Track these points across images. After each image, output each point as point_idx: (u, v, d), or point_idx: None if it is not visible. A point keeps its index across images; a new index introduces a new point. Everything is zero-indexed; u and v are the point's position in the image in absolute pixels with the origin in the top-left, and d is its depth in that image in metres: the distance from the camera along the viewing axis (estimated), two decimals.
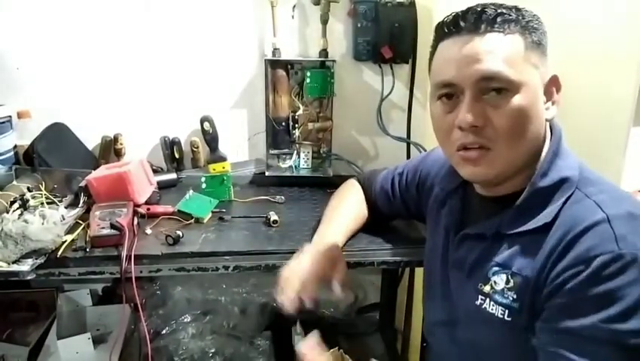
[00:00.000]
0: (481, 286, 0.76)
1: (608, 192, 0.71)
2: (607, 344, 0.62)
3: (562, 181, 0.72)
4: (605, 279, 0.62)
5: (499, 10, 0.70)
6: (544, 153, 0.75)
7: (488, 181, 0.77)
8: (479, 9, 0.71)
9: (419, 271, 1.50)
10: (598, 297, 0.62)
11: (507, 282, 0.73)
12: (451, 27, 0.72)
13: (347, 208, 1.11)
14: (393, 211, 1.11)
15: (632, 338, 0.61)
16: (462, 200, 0.86)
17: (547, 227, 0.70)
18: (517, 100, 0.69)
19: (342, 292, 0.92)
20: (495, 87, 0.69)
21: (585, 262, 0.64)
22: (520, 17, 0.71)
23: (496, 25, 0.69)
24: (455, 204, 0.87)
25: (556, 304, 0.66)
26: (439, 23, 0.75)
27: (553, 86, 0.74)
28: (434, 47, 0.76)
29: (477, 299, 0.77)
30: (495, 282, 0.75)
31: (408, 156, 1.57)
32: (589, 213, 0.67)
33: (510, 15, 0.70)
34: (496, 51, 0.69)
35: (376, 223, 1.14)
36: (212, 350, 1.39)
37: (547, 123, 0.76)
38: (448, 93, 0.73)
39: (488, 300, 0.75)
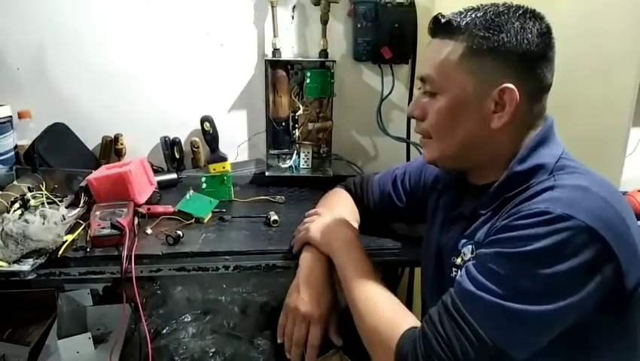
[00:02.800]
0: (454, 259, 0.81)
1: (577, 174, 0.73)
2: (489, 272, 0.66)
3: (538, 167, 0.75)
4: (521, 227, 0.66)
5: (448, 18, 0.77)
6: (525, 142, 0.77)
7: (433, 164, 0.85)
8: (438, 17, 0.78)
9: (419, 271, 1.50)
10: (508, 239, 0.67)
11: (472, 252, 0.77)
12: (428, 31, 0.82)
13: (346, 210, 1.09)
14: (394, 214, 1.10)
15: (511, 276, 0.65)
16: (459, 191, 0.89)
17: (506, 200, 0.74)
18: (441, 102, 0.77)
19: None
20: (427, 87, 0.79)
21: (515, 214, 0.69)
22: (468, 24, 0.74)
23: (439, 34, 0.78)
24: (452, 193, 0.90)
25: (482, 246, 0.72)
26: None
27: (503, 95, 0.74)
28: None
29: (452, 272, 0.81)
30: (464, 253, 0.79)
31: (408, 156, 1.57)
32: (543, 185, 0.71)
33: (457, 22, 0.75)
34: (436, 56, 0.77)
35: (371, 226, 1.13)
36: (212, 350, 1.39)
37: (506, 130, 0.76)
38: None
39: (459, 271, 0.78)
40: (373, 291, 0.81)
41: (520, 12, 0.75)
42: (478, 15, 0.75)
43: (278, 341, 0.93)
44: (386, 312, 0.77)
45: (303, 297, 0.89)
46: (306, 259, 0.95)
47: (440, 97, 0.77)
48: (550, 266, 0.63)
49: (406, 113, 0.87)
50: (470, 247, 0.78)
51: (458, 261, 0.80)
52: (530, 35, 0.73)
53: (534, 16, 0.75)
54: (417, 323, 0.73)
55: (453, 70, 0.75)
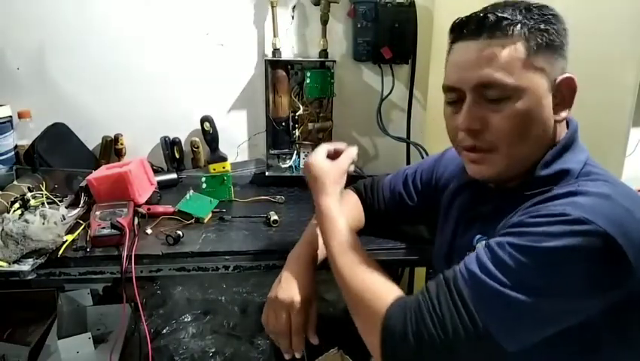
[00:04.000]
0: (468, 253, 0.78)
1: (602, 182, 0.71)
2: (498, 262, 0.65)
3: (563, 172, 0.73)
4: (538, 224, 0.65)
5: (501, 15, 0.70)
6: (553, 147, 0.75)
7: (492, 180, 0.79)
8: (481, 14, 0.71)
9: (419, 271, 1.50)
10: (522, 232, 0.66)
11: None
12: (457, 33, 0.75)
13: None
14: (405, 214, 1.08)
15: (522, 272, 0.63)
16: (476, 192, 0.87)
17: (527, 198, 0.73)
18: (516, 105, 0.70)
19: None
20: (494, 93, 0.71)
21: (533, 212, 0.68)
22: (525, 20, 0.71)
23: (497, 32, 0.70)
24: (467, 196, 0.88)
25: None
26: (450, 27, 0.76)
27: (565, 87, 0.73)
28: (448, 52, 0.78)
29: None
30: (477, 248, 0.76)
31: (408, 156, 1.57)
32: (566, 189, 0.70)
33: (514, 18, 0.70)
34: (496, 58, 0.70)
35: (381, 228, 1.12)
36: (212, 350, 1.40)
37: (562, 122, 0.76)
38: (455, 98, 0.76)
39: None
40: (359, 258, 0.80)
41: (545, 6, 0.74)
42: (522, 8, 0.71)
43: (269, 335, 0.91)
44: (373, 279, 0.76)
45: (282, 285, 0.89)
46: (292, 254, 0.95)
47: (512, 100, 0.70)
48: (560, 266, 0.62)
49: (461, 127, 0.74)
50: (484, 242, 0.75)
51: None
52: (565, 26, 0.73)
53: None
54: (403, 294, 0.73)
55: (524, 69, 0.70)
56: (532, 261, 0.63)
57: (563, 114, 0.74)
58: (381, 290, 0.75)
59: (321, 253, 0.94)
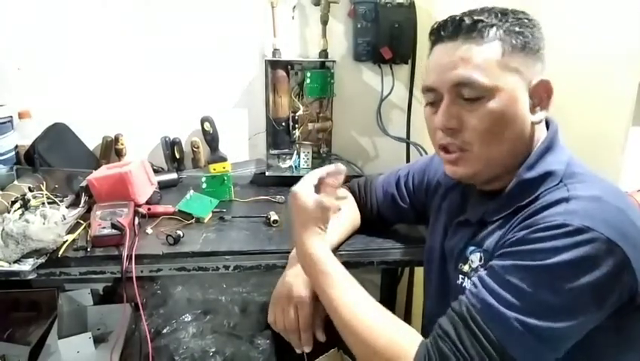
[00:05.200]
0: (461, 266, 0.80)
1: (589, 182, 0.72)
2: (507, 285, 0.65)
3: (547, 174, 0.74)
4: (538, 240, 0.65)
5: (477, 18, 0.73)
6: (534, 149, 0.76)
7: (468, 179, 0.80)
8: (457, 18, 0.74)
9: (419, 271, 1.50)
10: (526, 251, 0.66)
11: (480, 259, 0.76)
12: (435, 36, 0.77)
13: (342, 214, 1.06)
14: (399, 215, 1.09)
15: (530, 288, 0.63)
16: (462, 195, 0.88)
17: (518, 209, 0.73)
18: (491, 104, 0.72)
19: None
20: (469, 92, 0.72)
21: (530, 226, 0.67)
22: (501, 22, 0.73)
23: (473, 34, 0.72)
24: (455, 197, 0.89)
25: (495, 257, 0.70)
26: (429, 31, 0.78)
27: (542, 90, 0.74)
28: (428, 55, 0.80)
29: (458, 279, 0.80)
30: (472, 261, 0.78)
31: (408, 156, 1.57)
32: (556, 195, 0.70)
33: (489, 21, 0.72)
34: (471, 58, 0.72)
35: (376, 229, 1.13)
36: (213, 350, 1.40)
37: (540, 123, 0.77)
38: (433, 99, 0.77)
39: (466, 279, 0.79)
40: (366, 308, 0.75)
41: (521, 11, 0.76)
42: (497, 12, 0.74)
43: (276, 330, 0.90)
44: (384, 330, 0.72)
45: (288, 282, 0.89)
46: (293, 254, 0.94)
47: (487, 100, 0.72)
48: (572, 280, 0.62)
49: (438, 126, 0.76)
50: (478, 254, 0.77)
51: (466, 268, 0.79)
52: (540, 30, 0.75)
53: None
54: (417, 335, 0.71)
55: (499, 69, 0.72)
56: (545, 280, 0.63)
57: (540, 116, 0.75)
58: (401, 342, 0.71)
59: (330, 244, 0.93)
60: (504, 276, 0.65)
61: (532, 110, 0.75)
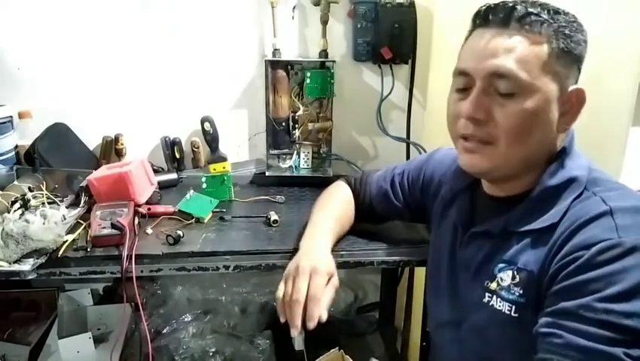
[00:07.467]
0: (487, 283, 0.77)
1: (616, 189, 0.71)
2: (600, 323, 0.61)
3: (571, 180, 0.73)
4: (603, 263, 0.63)
5: (530, 9, 0.69)
6: (554, 155, 0.75)
7: (482, 174, 0.78)
8: (510, 4, 0.70)
9: (419, 271, 1.50)
10: (594, 280, 0.63)
11: (513, 278, 0.73)
12: (481, 19, 0.73)
13: (335, 210, 1.07)
14: (391, 212, 1.09)
15: (625, 319, 0.60)
16: (471, 199, 0.86)
17: (553, 226, 0.71)
18: (524, 104, 0.69)
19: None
20: (505, 85, 0.69)
21: (584, 249, 0.65)
22: (552, 21, 0.70)
23: (525, 25, 0.69)
24: (463, 203, 0.87)
25: (554, 290, 0.67)
26: (475, 12, 0.75)
27: (574, 98, 0.72)
28: (467, 36, 0.76)
29: (484, 297, 0.77)
30: (501, 278, 0.75)
31: (408, 156, 1.57)
32: (594, 207, 0.68)
33: (541, 16, 0.69)
34: (515, 50, 0.68)
35: (370, 223, 1.13)
36: (213, 350, 1.40)
37: (564, 132, 0.75)
38: (464, 85, 0.74)
39: (495, 297, 0.76)
40: None
41: (572, 14, 0.73)
42: (550, 9, 0.70)
43: (281, 320, 0.85)
44: None
45: (303, 252, 0.89)
46: (304, 239, 0.96)
47: (521, 97, 0.69)
48: None
49: (463, 114, 0.72)
50: (510, 272, 0.74)
51: (493, 286, 0.76)
52: (586, 38, 0.73)
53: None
54: None
55: (541, 70, 0.68)
56: (630, 304, 0.61)
57: (567, 125, 0.74)
58: None
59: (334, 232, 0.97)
60: (588, 314, 0.62)
61: (561, 118, 0.72)
